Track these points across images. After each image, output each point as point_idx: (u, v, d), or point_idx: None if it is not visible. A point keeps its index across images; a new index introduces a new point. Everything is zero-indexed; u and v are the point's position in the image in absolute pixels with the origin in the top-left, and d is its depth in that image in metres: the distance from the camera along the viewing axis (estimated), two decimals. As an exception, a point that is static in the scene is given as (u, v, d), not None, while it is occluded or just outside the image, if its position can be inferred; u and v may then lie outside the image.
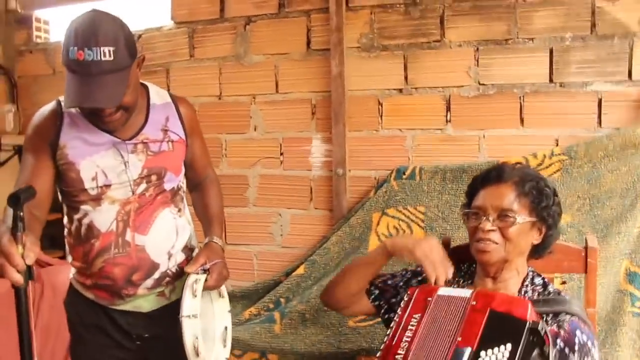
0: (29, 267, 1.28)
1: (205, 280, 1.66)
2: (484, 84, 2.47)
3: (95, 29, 1.50)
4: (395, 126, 2.61)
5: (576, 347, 1.40)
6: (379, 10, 2.59)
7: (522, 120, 2.45)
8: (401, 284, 1.71)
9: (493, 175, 1.59)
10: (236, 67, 2.84)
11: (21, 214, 1.28)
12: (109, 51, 1.50)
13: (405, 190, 2.50)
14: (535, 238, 1.56)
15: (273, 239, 2.84)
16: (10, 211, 1.29)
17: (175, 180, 1.82)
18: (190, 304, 1.60)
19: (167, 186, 1.79)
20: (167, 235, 1.78)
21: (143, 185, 1.74)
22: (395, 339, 1.43)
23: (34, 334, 1.39)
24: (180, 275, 1.79)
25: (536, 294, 1.55)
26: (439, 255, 1.58)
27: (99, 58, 1.49)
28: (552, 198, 1.56)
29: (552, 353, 1.36)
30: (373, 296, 1.73)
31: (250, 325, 2.54)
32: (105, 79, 1.51)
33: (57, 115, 1.70)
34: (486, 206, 1.54)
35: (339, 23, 2.59)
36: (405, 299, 1.53)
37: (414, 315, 1.46)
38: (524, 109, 2.44)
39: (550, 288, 1.56)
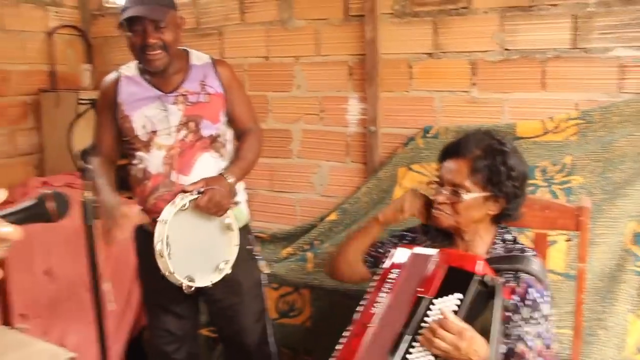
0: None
1: (196, 200, 1.97)
2: (508, 50, 2.59)
3: None
4: (424, 88, 2.77)
5: (527, 302, 1.57)
6: (411, -22, 2.72)
7: (543, 85, 2.55)
8: (391, 249, 1.82)
9: (453, 149, 1.71)
10: (281, 31, 3.05)
11: None
12: None
13: (429, 148, 2.66)
14: (492, 209, 1.68)
15: (314, 188, 3.09)
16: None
17: (212, 127, 2.12)
18: (166, 211, 1.94)
19: (205, 132, 2.11)
20: (208, 175, 2.07)
21: (183, 132, 2.08)
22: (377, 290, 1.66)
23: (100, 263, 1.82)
24: None
25: (504, 250, 1.69)
26: (421, 197, 1.80)
27: None
28: (506, 174, 1.63)
29: (503, 303, 1.53)
30: (369, 264, 1.92)
31: (286, 263, 2.82)
32: (152, 6, 1.95)
33: (115, 80, 2.13)
34: (443, 179, 1.68)
35: (374, -10, 2.74)
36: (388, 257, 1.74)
37: (392, 270, 1.68)
38: (546, 74, 2.54)
39: (517, 245, 1.69)
